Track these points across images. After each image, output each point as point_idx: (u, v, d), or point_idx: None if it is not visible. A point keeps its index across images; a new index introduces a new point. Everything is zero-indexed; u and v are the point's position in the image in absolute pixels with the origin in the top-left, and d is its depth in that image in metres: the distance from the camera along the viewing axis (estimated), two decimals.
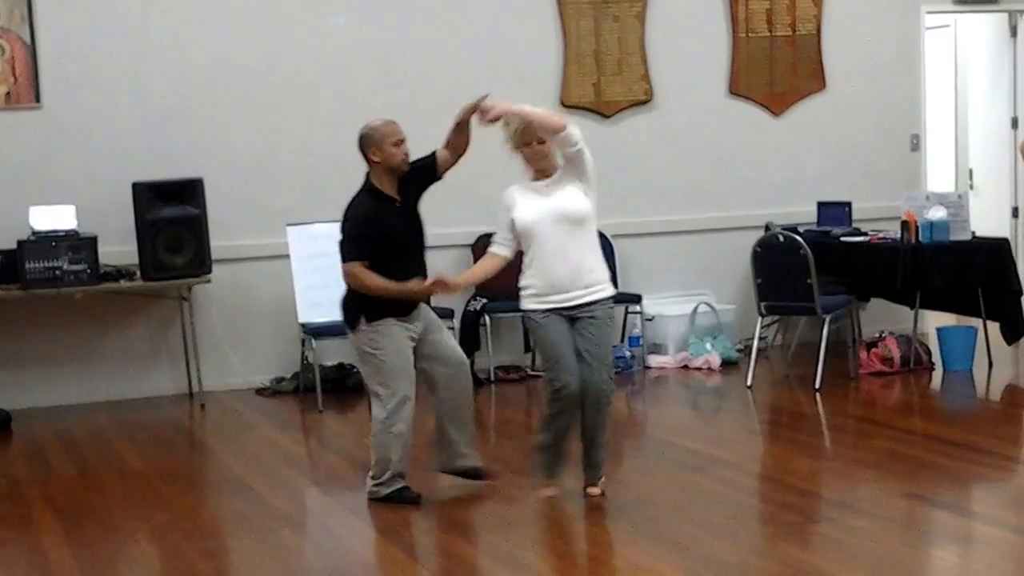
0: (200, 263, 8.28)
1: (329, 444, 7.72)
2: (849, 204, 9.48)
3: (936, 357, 8.75)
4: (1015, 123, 10.46)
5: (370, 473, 6.04)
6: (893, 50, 10.15)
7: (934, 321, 9.47)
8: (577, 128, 5.88)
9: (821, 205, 9.57)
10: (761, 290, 8.44)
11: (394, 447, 5.93)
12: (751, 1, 9.72)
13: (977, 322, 8.76)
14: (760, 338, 8.66)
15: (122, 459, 7.19)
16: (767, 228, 9.17)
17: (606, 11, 9.44)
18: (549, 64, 9.38)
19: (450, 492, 6.20)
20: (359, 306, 6.03)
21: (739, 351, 9.23)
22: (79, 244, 8.05)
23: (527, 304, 5.91)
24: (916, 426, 7.48)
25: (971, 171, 11.01)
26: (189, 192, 8.27)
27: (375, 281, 5.89)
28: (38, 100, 8.40)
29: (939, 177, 11.12)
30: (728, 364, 9.07)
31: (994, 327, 8.75)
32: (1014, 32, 10.46)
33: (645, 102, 9.59)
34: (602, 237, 9.31)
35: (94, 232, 8.16)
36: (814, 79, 9.97)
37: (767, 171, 9.86)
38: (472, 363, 6.95)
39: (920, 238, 8.49)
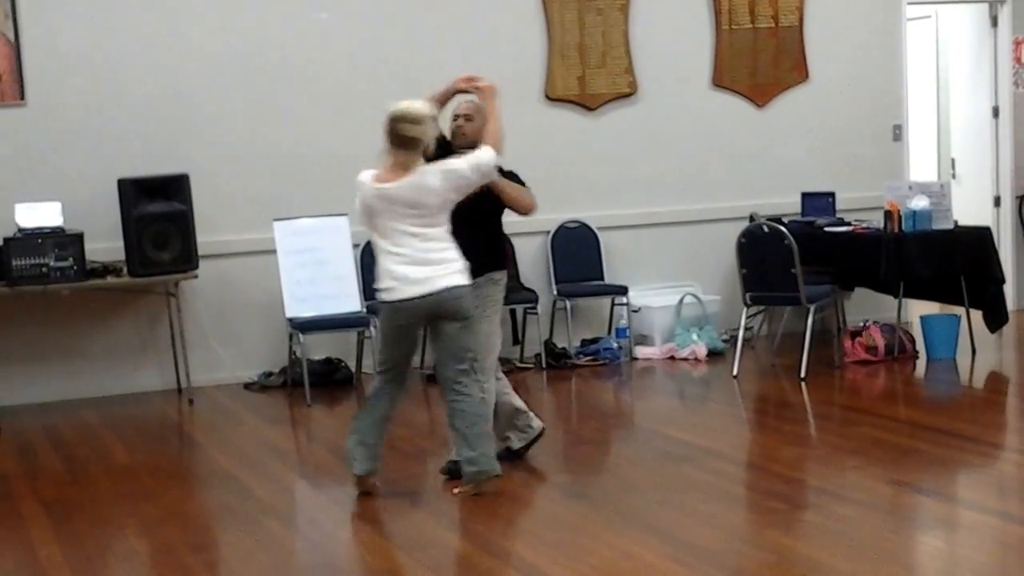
0: (187, 259, 8.29)
1: (317, 438, 7.74)
2: (833, 194, 9.53)
3: (920, 345, 8.81)
4: (996, 112, 10.51)
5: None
6: (875, 41, 10.19)
7: (918, 310, 9.52)
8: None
9: (805, 196, 9.61)
10: (746, 281, 8.48)
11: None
12: None
13: (960, 310, 8.82)
14: (746, 328, 8.70)
15: (110, 454, 7.20)
16: (751, 219, 9.21)
17: (590, 4, 9.47)
18: (533, 57, 9.40)
19: (436, 483, 6.24)
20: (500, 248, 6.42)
21: (725, 341, 9.27)
22: (65, 241, 8.06)
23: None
24: (900, 414, 7.53)
25: (953, 161, 11.05)
26: (175, 188, 8.28)
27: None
28: (22, 97, 8.40)
29: (921, 167, 11.17)
30: (714, 354, 9.11)
31: (977, 315, 8.80)
32: (995, 22, 10.50)
33: (629, 95, 9.62)
34: (587, 229, 9.47)
35: (80, 229, 8.17)
36: (797, 70, 10.01)
37: (751, 162, 9.90)
38: None
39: (903, 227, 8.54)
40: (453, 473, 6.14)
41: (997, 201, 10.56)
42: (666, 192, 9.73)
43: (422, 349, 7.64)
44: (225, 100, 8.76)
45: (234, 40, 8.77)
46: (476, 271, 6.18)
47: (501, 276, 6.42)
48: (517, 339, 9.19)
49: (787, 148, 9.99)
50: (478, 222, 6.18)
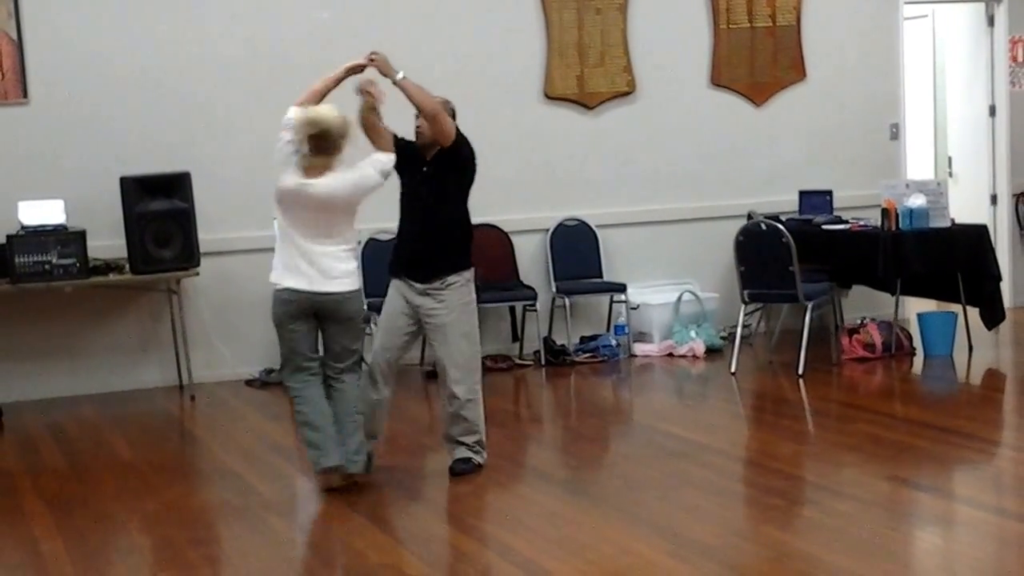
0: (188, 256, 8.33)
1: None
2: (830, 192, 9.56)
3: (917, 342, 8.85)
4: (993, 111, 10.55)
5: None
6: (872, 40, 10.23)
7: (915, 307, 9.56)
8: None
9: (802, 194, 9.64)
10: (744, 278, 8.52)
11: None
12: None
13: (957, 307, 8.85)
14: (744, 325, 8.73)
15: (113, 450, 7.24)
16: (749, 217, 9.23)
17: (588, 4, 9.50)
18: (532, 57, 9.43)
19: (436, 479, 6.28)
20: (467, 247, 6.26)
21: (723, 338, 9.31)
22: (68, 238, 8.10)
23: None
24: (898, 410, 7.57)
25: (950, 159, 11.09)
26: (177, 186, 8.32)
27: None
28: (25, 95, 8.44)
29: (918, 165, 11.23)
30: (712, 351, 9.15)
31: (974, 312, 8.83)
32: (991, 21, 10.55)
33: (628, 93, 9.66)
34: (586, 227, 9.50)
35: (83, 226, 8.21)
36: (794, 69, 10.05)
37: (749, 161, 9.94)
38: None
39: (900, 225, 8.57)
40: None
41: (994, 199, 10.60)
42: (664, 190, 9.76)
43: (421, 346, 7.71)
44: (226, 98, 8.80)
45: (236, 38, 8.81)
46: (442, 269, 6.12)
47: (470, 275, 6.23)
48: (516, 336, 9.23)
49: (785, 146, 10.03)
50: (440, 209, 6.13)
